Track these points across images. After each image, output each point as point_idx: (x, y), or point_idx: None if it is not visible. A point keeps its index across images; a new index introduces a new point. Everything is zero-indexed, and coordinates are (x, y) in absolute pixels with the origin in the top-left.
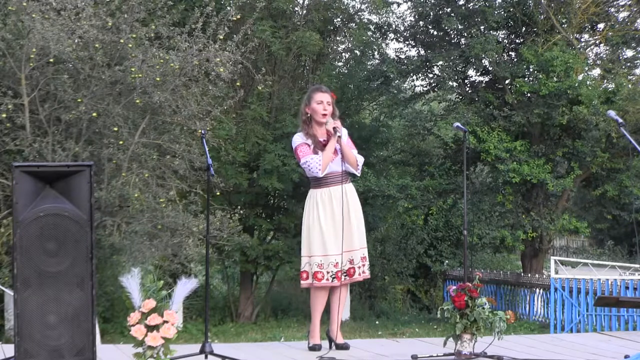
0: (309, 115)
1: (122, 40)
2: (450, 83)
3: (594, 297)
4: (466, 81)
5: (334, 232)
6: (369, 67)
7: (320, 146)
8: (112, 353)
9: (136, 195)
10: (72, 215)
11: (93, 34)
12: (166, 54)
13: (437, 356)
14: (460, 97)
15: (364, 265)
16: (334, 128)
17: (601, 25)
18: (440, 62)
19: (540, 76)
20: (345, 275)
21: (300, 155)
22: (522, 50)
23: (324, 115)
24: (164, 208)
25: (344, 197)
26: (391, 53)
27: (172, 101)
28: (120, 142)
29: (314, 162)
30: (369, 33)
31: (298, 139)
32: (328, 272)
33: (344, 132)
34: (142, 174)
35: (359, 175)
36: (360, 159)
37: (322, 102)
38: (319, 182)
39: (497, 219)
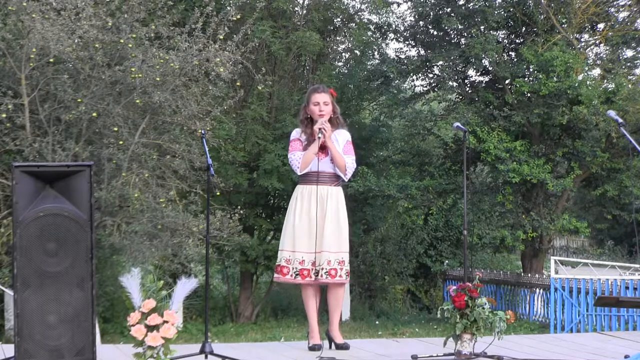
0: (308, 116)
1: (122, 40)
2: (450, 83)
3: (594, 297)
4: (466, 81)
5: (307, 230)
6: (369, 67)
7: None
8: (112, 353)
9: (136, 195)
10: (72, 215)
11: (93, 34)
12: (166, 54)
13: (437, 356)
14: (460, 97)
15: (341, 269)
16: (319, 128)
17: (601, 25)
18: (440, 62)
19: (540, 76)
20: (315, 275)
21: (289, 149)
22: (522, 50)
23: (321, 115)
24: (164, 208)
25: (326, 198)
26: (391, 53)
27: (172, 101)
28: (120, 142)
29: (295, 159)
30: (369, 33)
31: (294, 133)
32: (293, 269)
33: (344, 136)
34: (142, 174)
35: (346, 180)
36: (351, 166)
37: (319, 103)
38: (304, 178)
39: (497, 219)
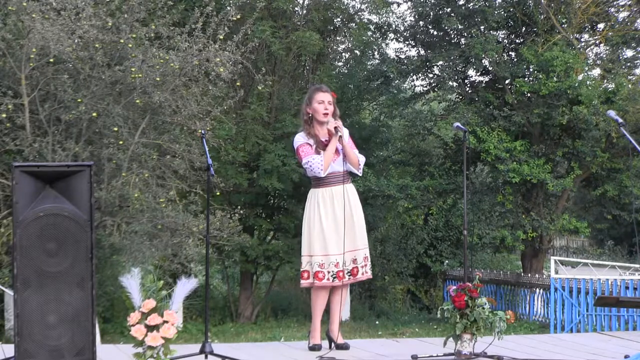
0: (310, 115)
1: (122, 40)
2: (450, 83)
3: (594, 297)
4: (466, 81)
5: (335, 232)
6: (369, 67)
7: (322, 146)
8: (112, 353)
9: (136, 195)
10: (72, 215)
11: (93, 34)
12: (166, 54)
13: (437, 356)
14: (460, 97)
15: (366, 265)
16: (335, 127)
17: (601, 25)
18: (440, 62)
19: (540, 76)
20: (349, 275)
21: (302, 155)
22: (522, 50)
23: (325, 114)
24: (164, 208)
25: (346, 197)
26: (391, 53)
27: (172, 101)
28: (120, 142)
29: (316, 162)
30: (369, 33)
31: (300, 138)
32: (329, 272)
33: (345, 132)
34: (142, 174)
35: (360, 174)
36: (362, 159)
37: (323, 101)
38: (320, 181)
39: (497, 219)
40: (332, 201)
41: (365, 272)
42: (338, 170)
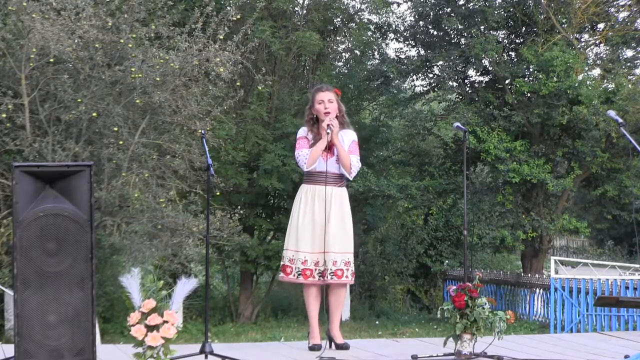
0: (314, 116)
1: (122, 40)
2: (450, 83)
3: (594, 297)
4: (466, 81)
5: (311, 230)
6: (369, 67)
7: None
8: (112, 353)
9: (136, 195)
10: (72, 215)
11: (93, 34)
12: (166, 54)
13: (437, 356)
14: (460, 97)
15: (347, 269)
16: (327, 125)
17: (601, 25)
18: (440, 62)
19: (540, 76)
20: (319, 276)
21: (296, 147)
22: (522, 50)
23: (327, 113)
24: (164, 208)
25: (328, 198)
26: (391, 53)
27: (172, 101)
28: (120, 142)
29: (302, 155)
30: (369, 33)
31: (301, 131)
32: (296, 268)
33: (350, 136)
34: (142, 174)
35: (350, 179)
36: (356, 165)
37: (323, 101)
38: (308, 178)
39: (497, 219)
40: (313, 199)
41: (344, 277)
42: (329, 170)
